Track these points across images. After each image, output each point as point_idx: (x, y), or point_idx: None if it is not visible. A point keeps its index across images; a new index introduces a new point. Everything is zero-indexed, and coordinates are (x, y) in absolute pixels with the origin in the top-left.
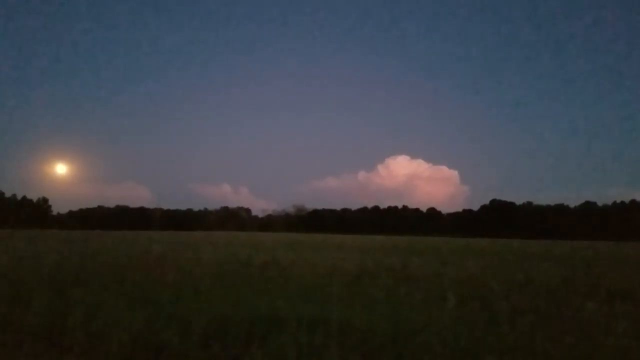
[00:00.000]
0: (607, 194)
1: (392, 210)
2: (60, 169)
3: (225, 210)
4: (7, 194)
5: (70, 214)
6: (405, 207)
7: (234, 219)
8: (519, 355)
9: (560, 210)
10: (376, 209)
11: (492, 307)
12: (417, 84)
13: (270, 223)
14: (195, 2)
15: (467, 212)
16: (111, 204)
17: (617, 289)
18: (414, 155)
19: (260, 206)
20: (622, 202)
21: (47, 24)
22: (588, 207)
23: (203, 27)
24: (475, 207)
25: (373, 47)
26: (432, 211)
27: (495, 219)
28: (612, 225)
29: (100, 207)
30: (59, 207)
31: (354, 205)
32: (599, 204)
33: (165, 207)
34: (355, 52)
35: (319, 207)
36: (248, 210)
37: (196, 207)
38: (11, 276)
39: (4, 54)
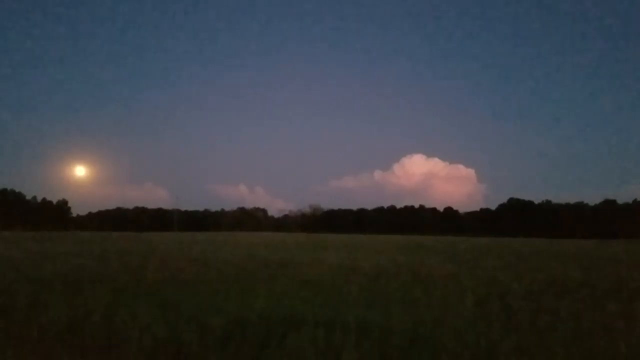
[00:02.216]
0: (627, 191)
1: (408, 209)
2: (80, 171)
3: (242, 210)
4: (28, 197)
5: (90, 215)
6: (422, 207)
7: (250, 219)
8: (539, 357)
9: (579, 208)
10: (393, 208)
11: (511, 307)
12: (432, 82)
13: (286, 223)
14: (215, 4)
15: (484, 211)
16: (130, 205)
17: (639, 289)
18: (429, 154)
19: (276, 206)
20: None
21: (65, 27)
22: (608, 206)
23: (219, 28)
24: (493, 206)
25: (388, 47)
26: (449, 210)
27: (514, 218)
28: (633, 224)
29: (119, 209)
30: (78, 209)
31: (370, 205)
32: (619, 202)
33: (183, 208)
34: (371, 52)
35: (335, 207)
36: (264, 211)
37: (213, 208)
38: (31, 277)
39: (22, 58)
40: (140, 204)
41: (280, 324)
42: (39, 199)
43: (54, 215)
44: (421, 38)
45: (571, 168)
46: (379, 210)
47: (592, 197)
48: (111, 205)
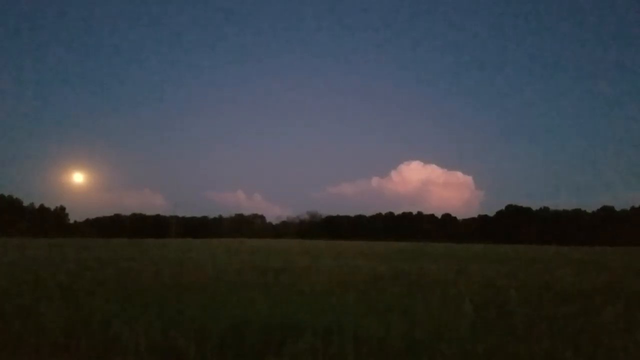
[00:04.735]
0: (625, 198)
1: (406, 216)
2: (78, 177)
3: (240, 217)
4: (26, 203)
5: (87, 222)
6: (419, 213)
7: (248, 225)
8: None
9: (577, 215)
10: (390, 215)
11: (510, 314)
12: (429, 89)
13: (284, 230)
14: (213, 8)
15: (482, 218)
16: (127, 212)
17: (637, 295)
18: (427, 160)
19: (274, 213)
20: None
21: (62, 33)
22: (605, 212)
23: (217, 35)
24: (491, 213)
25: (385, 55)
26: (447, 217)
27: (511, 225)
28: (630, 231)
29: (116, 215)
30: (76, 215)
31: (368, 212)
32: (617, 208)
33: (180, 214)
34: (368, 59)
35: (333, 213)
36: (262, 217)
37: (211, 215)
38: (29, 283)
39: (19, 64)
40: (138, 211)
41: (278, 331)
42: (37, 205)
43: (52, 221)
44: (419, 45)
45: (569, 175)
46: (377, 217)
47: (590, 204)
48: (109, 211)
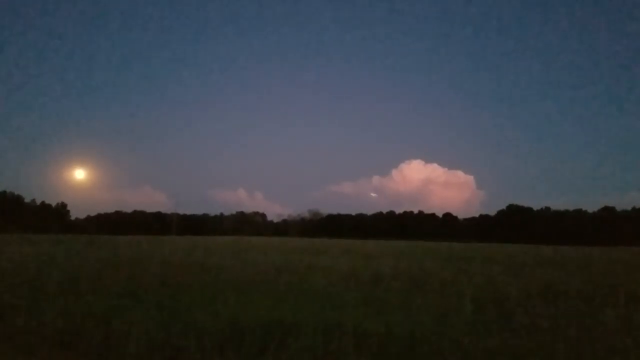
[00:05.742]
0: (626, 199)
1: (407, 215)
2: (79, 174)
3: (241, 215)
4: (27, 199)
5: (88, 218)
6: (420, 212)
7: (249, 224)
8: None
9: (578, 215)
10: (391, 214)
11: (509, 313)
12: (430, 88)
13: (285, 228)
14: (215, 8)
15: (483, 217)
16: (129, 209)
17: (637, 295)
18: (428, 159)
19: (275, 211)
20: None
21: (64, 30)
22: (606, 213)
23: (219, 33)
24: (492, 212)
25: (386, 54)
26: (448, 216)
27: (512, 224)
28: (631, 231)
29: (117, 212)
30: (77, 212)
31: (369, 211)
32: (618, 209)
33: (181, 212)
34: (369, 58)
35: (334, 212)
36: (263, 215)
37: (212, 212)
38: (29, 280)
39: (21, 60)
40: (139, 208)
41: (278, 329)
42: (38, 201)
43: (53, 218)
44: (420, 44)
45: (570, 175)
46: (378, 216)
47: (591, 204)
48: (110, 208)
